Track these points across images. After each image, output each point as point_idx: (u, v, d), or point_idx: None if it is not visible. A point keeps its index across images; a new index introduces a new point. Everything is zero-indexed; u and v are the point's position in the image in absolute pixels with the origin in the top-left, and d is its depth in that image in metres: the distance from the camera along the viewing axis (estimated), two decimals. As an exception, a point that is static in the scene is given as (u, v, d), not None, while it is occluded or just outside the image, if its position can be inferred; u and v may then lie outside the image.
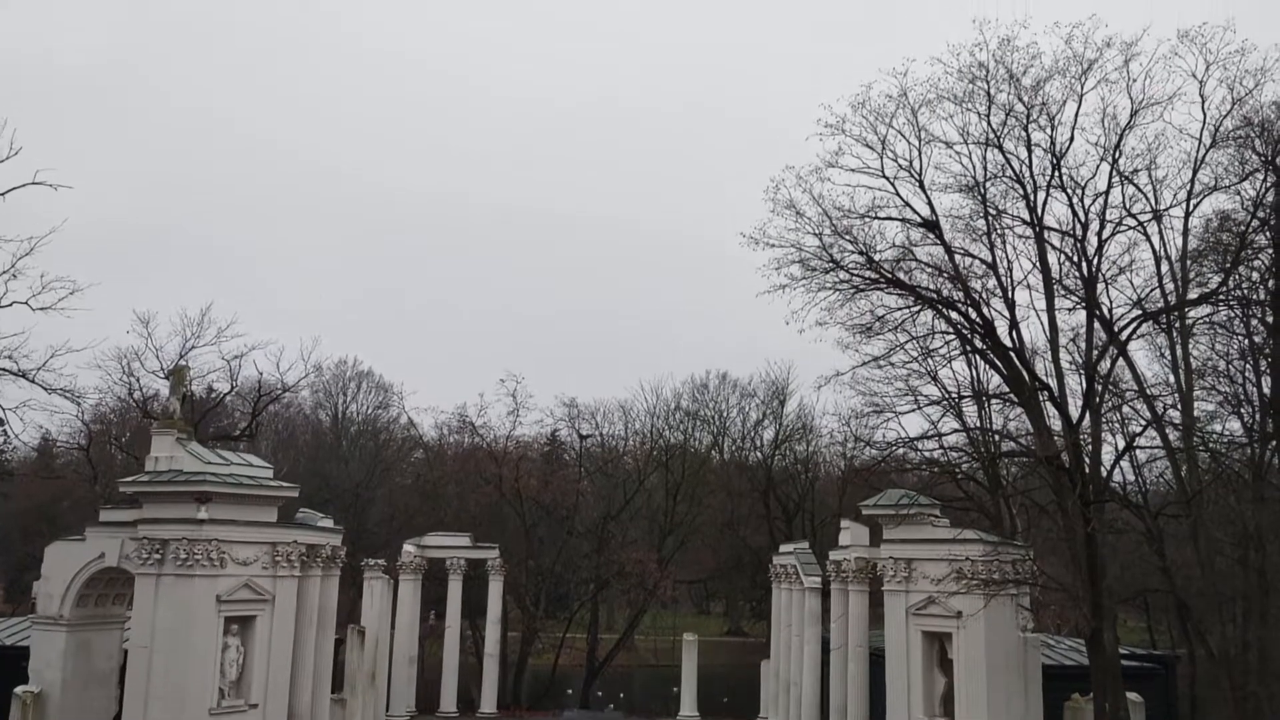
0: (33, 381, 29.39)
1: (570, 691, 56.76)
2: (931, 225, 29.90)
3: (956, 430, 34.94)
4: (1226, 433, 31.66)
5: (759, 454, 69.06)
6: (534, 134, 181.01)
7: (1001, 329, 29.35)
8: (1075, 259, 28.88)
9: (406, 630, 44.63)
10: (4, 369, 29.81)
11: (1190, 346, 30.75)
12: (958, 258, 29.93)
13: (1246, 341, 30.43)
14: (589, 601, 61.22)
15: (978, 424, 36.83)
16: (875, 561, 33.53)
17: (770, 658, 46.04)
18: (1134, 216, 28.69)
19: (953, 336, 31.74)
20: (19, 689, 30.65)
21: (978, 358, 34.12)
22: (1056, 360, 29.13)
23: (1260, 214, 27.44)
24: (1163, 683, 38.30)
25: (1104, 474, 29.09)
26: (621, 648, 63.35)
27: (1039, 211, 28.87)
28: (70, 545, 32.10)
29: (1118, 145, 28.02)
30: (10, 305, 29.35)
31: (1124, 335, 28.38)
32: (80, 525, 34.62)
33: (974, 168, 29.50)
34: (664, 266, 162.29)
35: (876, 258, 30.22)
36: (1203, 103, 28.05)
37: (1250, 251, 27.55)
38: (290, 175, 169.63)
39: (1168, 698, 38.13)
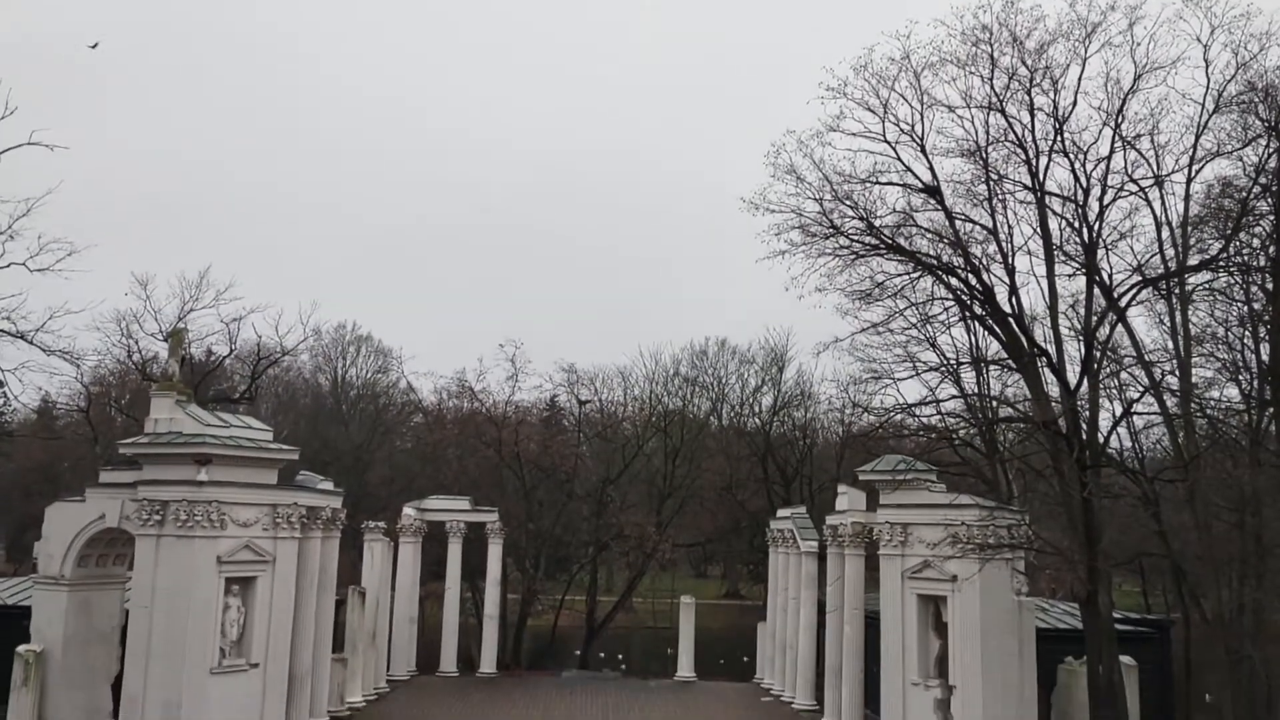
0: (31, 343, 29.37)
1: (579, 653, 57.24)
2: (932, 190, 29.78)
3: (954, 396, 35.01)
4: (1224, 399, 31.73)
5: (757, 420, 69.17)
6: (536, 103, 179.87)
7: (1001, 295, 29.33)
8: (1076, 225, 28.79)
9: (407, 591, 45.00)
10: (2, 330, 29.81)
11: (1189, 313, 30.70)
12: (958, 223, 29.84)
13: (1246, 308, 30.40)
14: (588, 564, 61.60)
15: (976, 390, 36.86)
16: (872, 526, 33.73)
17: (767, 620, 46.49)
18: (1135, 182, 28.56)
19: (952, 303, 31.72)
20: (21, 647, 30.94)
21: (977, 324, 34.05)
22: (1055, 326, 29.12)
23: (1262, 180, 27.31)
24: (1157, 647, 38.63)
25: (1101, 440, 29.15)
26: (620, 610, 63.84)
27: (1040, 177, 28.75)
28: (70, 506, 32.25)
29: (1120, 110, 27.84)
30: (8, 266, 29.27)
31: (1123, 301, 28.34)
32: (80, 486, 34.76)
33: (976, 132, 29.33)
34: (664, 232, 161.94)
35: (877, 223, 30.13)
36: (1206, 67, 27.83)
37: (1251, 218, 27.44)
38: (290, 129, 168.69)
39: (1162, 661, 38.48)
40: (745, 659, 52.80)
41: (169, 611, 28.03)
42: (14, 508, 73.66)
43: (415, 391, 71.48)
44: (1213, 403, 30.26)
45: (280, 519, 30.37)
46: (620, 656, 56.49)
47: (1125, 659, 31.86)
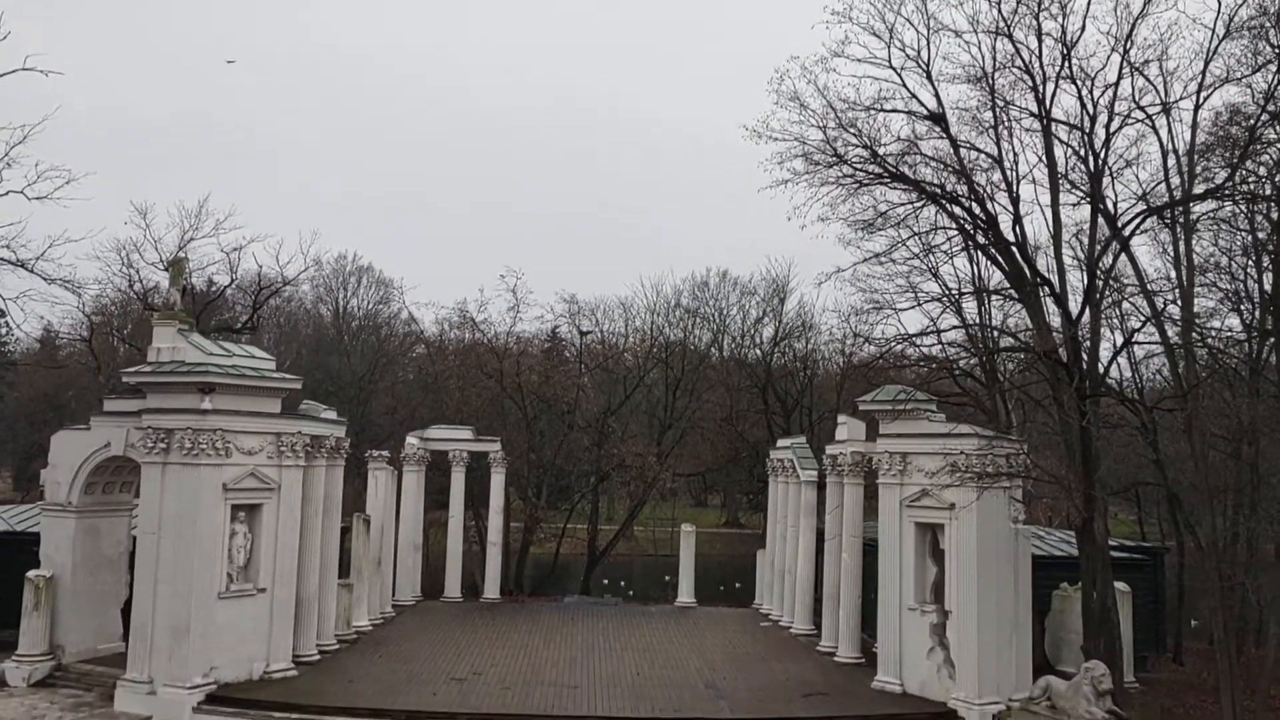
0: (31, 271, 29.29)
1: (581, 581, 58.01)
2: (938, 118, 29.47)
3: (955, 327, 34.99)
4: (1225, 329, 31.76)
5: (758, 351, 69.29)
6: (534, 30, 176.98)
7: (1005, 224, 29.20)
8: (1082, 153, 28.54)
9: (411, 519, 45.51)
10: (2, 258, 29.71)
11: (1193, 243, 30.61)
12: (963, 151, 29.58)
13: (1250, 238, 30.30)
14: (589, 493, 62.15)
15: (977, 321, 36.85)
16: (871, 455, 33.97)
17: (766, 548, 47.04)
18: (1142, 109, 28.22)
19: (955, 232, 31.60)
20: (31, 573, 31.43)
21: (979, 254, 33.98)
22: (1058, 255, 29.04)
23: (1271, 107, 26.96)
24: (1151, 573, 39.18)
25: (1101, 369, 29.25)
26: (621, 538, 64.55)
27: (1047, 104, 28.42)
28: (76, 434, 32.52)
29: (1129, 35, 27.39)
30: (6, 194, 29.06)
31: (1127, 230, 28.20)
32: (85, 415, 35.01)
33: (983, 58, 28.94)
34: (665, 163, 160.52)
35: (880, 152, 29.86)
36: (1218, -11, 27.35)
37: (1259, 145, 27.15)
38: (295, 61, 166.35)
39: (1155, 587, 39.05)
40: (737, 585, 53.58)
41: (176, 538, 28.39)
42: (20, 436, 74.27)
43: (417, 322, 71.61)
44: (1214, 332, 30.27)
45: (284, 447, 30.59)
46: (622, 583, 57.32)
47: (1119, 585, 32.35)
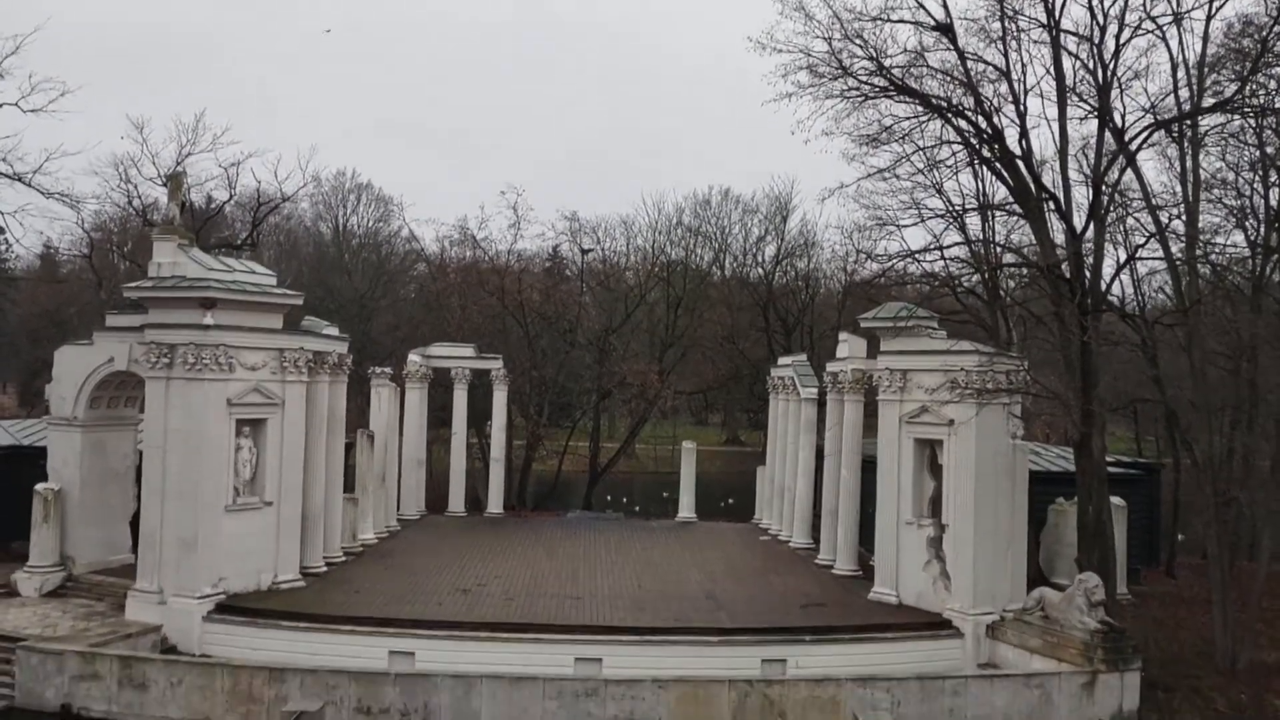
0: (29, 185, 29.10)
1: (583, 496, 58.68)
2: (945, 29, 28.95)
3: (959, 243, 34.81)
4: (1230, 245, 31.63)
5: (760, 270, 69.12)
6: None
7: (1011, 137, 28.89)
8: (1090, 65, 28.10)
9: (414, 436, 45.88)
10: None
11: (1200, 158, 30.31)
12: (970, 64, 29.12)
13: (1258, 152, 29.97)
14: (591, 411, 62.52)
15: (980, 237, 36.66)
16: (871, 373, 34.07)
17: (766, 464, 47.47)
18: (1153, 20, 27.71)
19: (960, 146, 31.28)
20: (39, 486, 31.81)
21: (984, 168, 33.68)
22: (1064, 170, 28.79)
23: (1284, 18, 26.49)
24: (1146, 488, 39.65)
25: (1103, 286, 29.20)
26: (622, 455, 65.12)
27: (1056, 14, 27.91)
28: (79, 349, 32.62)
29: (1142, -59, 26.81)
30: (0, 107, 28.72)
31: (1134, 145, 27.92)
32: (87, 331, 35.08)
33: (992, -35, 28.34)
34: (667, 79, 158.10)
35: (887, 64, 29.42)
36: (1236, -107, 26.69)
37: (1271, 57, 26.72)
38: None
39: (1150, 503, 39.58)
40: (729, 500, 54.17)
41: (182, 452, 28.65)
42: (23, 353, 74.53)
43: (418, 240, 71.30)
44: (1218, 248, 30.17)
45: (287, 363, 30.70)
46: (624, 499, 57.98)
47: (1115, 499, 32.75)
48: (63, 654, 24.69)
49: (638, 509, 55.84)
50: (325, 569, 32.72)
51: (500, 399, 48.39)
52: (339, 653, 25.89)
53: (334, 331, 35.22)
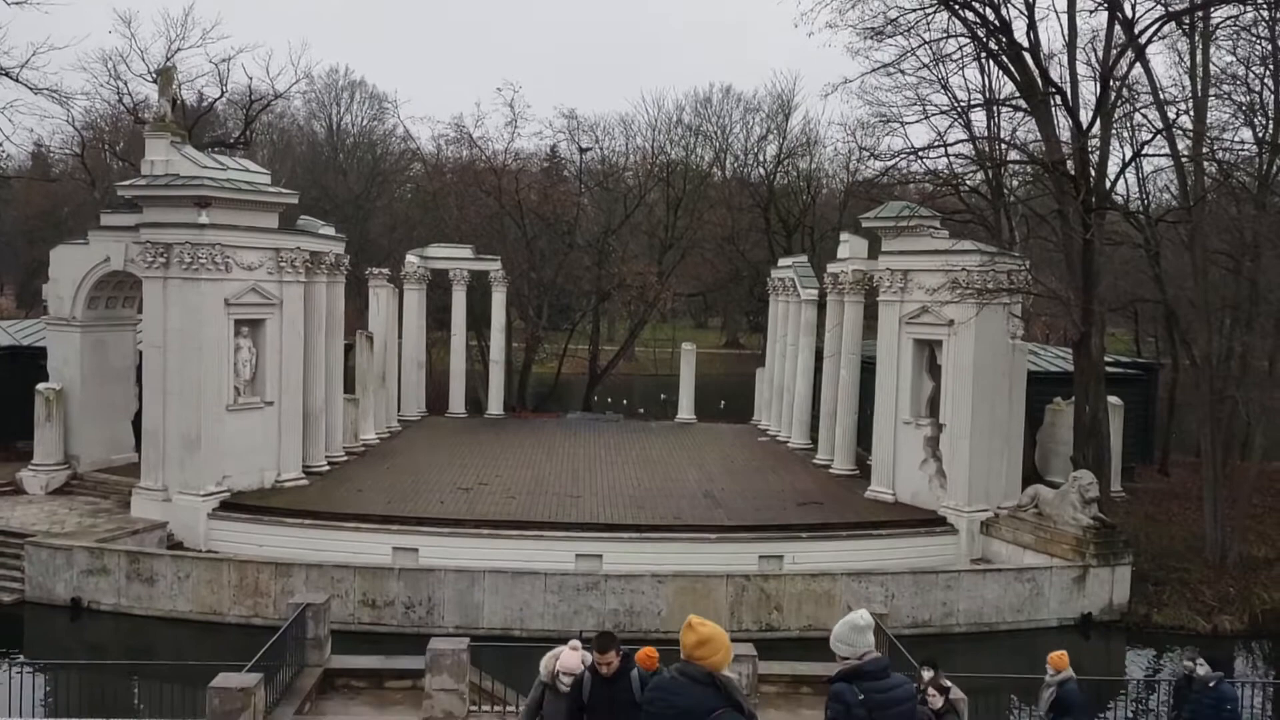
0: (16, 80, 28.45)
1: (582, 398, 58.98)
2: (953, -85, 28.07)
3: (963, 140, 34.31)
4: (1237, 141, 31.19)
5: (761, 170, 68.20)
6: None
7: (1019, 30, 28.25)
8: (1102, -47, 27.32)
9: (413, 337, 45.93)
10: (-15, 67, 28.79)
11: (1210, 52, 29.68)
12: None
13: (1270, 46, 29.33)
14: (590, 313, 62.39)
15: (985, 133, 36.12)
16: (872, 273, 33.93)
17: (765, 366, 47.63)
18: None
19: (967, 40, 30.61)
20: (41, 385, 31.93)
21: (991, 63, 32.97)
22: (1072, 63, 28.28)
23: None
24: (1143, 388, 39.85)
25: (1108, 184, 28.88)
26: (621, 358, 65.22)
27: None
28: (75, 249, 32.45)
29: None
30: (-18, -2, 27.90)
31: (1144, 37, 27.32)
32: (82, 230, 34.84)
33: None
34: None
35: (892, -48, 28.60)
36: None
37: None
38: None
39: (1146, 402, 39.80)
40: (723, 403, 54.42)
41: (181, 352, 28.68)
42: (19, 254, 74.15)
43: (413, 139, 70.28)
44: (1224, 145, 29.74)
45: (284, 262, 30.54)
46: (624, 401, 58.25)
47: (1112, 399, 32.95)
48: (71, 549, 25.11)
49: (640, 410, 56.13)
50: (328, 468, 33.05)
51: (499, 300, 48.30)
52: (343, 549, 26.28)
53: (330, 231, 34.96)
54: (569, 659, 8.65)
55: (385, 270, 43.19)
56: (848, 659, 6.09)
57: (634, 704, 7.40)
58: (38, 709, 16.67)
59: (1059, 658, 12.02)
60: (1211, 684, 11.30)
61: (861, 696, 5.94)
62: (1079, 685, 12.00)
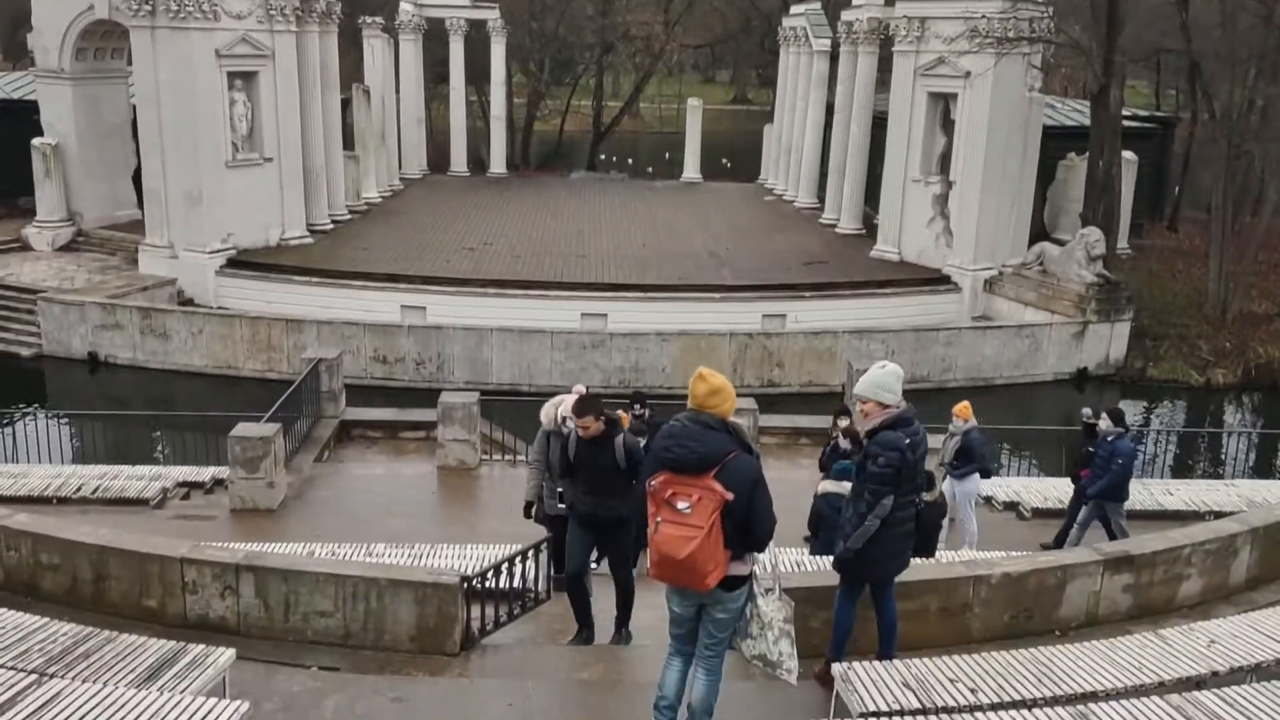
0: None
1: (591, 159, 58.02)
2: None
3: None
4: None
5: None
6: None
7: None
8: None
9: (411, 92, 44.59)
10: None
11: None
12: None
13: None
14: (593, 67, 60.41)
15: None
16: (888, 22, 32.54)
17: (774, 123, 46.50)
18: None
19: None
20: (36, 141, 31.41)
21: None
22: None
23: None
24: (1160, 143, 39.06)
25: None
26: (626, 114, 63.73)
27: None
28: (56, -7, 31.09)
29: None
30: None
31: None
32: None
33: None
34: None
35: None
36: None
37: None
38: None
39: (1161, 157, 39.10)
40: (727, 163, 53.59)
41: (175, 105, 27.98)
42: (2, 7, 71.06)
43: None
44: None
45: (274, 11, 29.31)
46: (629, 160, 57.29)
47: (1126, 154, 32.32)
48: (84, 305, 25.44)
49: (636, 169, 55.26)
50: (331, 226, 32.93)
51: (498, 52, 46.55)
52: (351, 306, 26.57)
53: (322, -23, 33.28)
54: (571, 403, 8.80)
55: (379, 19, 41.44)
56: (889, 407, 6.52)
57: (616, 468, 7.63)
58: (65, 458, 17.37)
59: (963, 408, 12.53)
60: (1110, 438, 11.76)
61: (907, 441, 6.47)
62: (980, 433, 12.54)
